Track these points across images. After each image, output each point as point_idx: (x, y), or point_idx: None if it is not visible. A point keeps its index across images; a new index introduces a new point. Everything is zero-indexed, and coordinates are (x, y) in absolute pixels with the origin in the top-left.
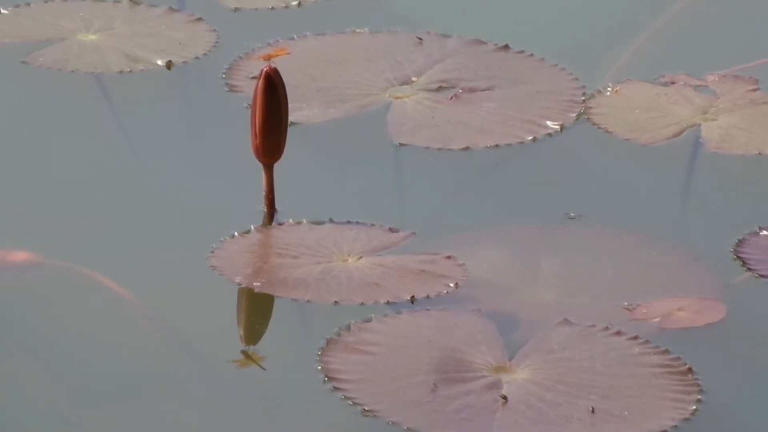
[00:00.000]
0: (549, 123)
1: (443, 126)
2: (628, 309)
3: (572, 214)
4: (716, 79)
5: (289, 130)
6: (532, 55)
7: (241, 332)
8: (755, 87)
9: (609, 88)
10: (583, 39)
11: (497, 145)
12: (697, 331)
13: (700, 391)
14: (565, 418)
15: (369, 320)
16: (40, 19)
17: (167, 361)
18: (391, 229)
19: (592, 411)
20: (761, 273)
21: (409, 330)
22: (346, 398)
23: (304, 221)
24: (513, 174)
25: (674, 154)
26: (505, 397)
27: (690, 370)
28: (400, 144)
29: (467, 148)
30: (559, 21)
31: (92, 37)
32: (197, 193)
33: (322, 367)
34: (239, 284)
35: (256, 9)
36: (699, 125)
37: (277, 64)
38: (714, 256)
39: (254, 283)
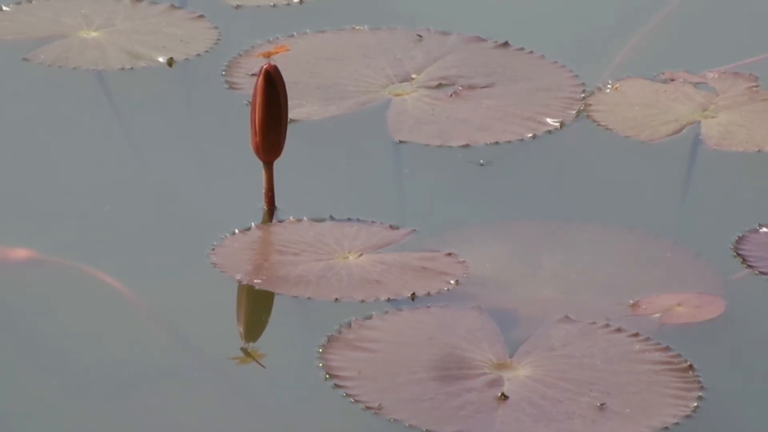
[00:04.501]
0: (549, 120)
1: (443, 123)
2: (633, 306)
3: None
4: (716, 76)
5: (289, 127)
6: (531, 52)
7: (242, 329)
8: (755, 84)
9: (609, 85)
10: (582, 36)
11: (497, 143)
12: (696, 327)
13: (701, 388)
14: (567, 414)
15: (369, 317)
16: (42, 16)
17: (167, 358)
18: (391, 226)
19: (601, 406)
20: (761, 270)
21: (410, 327)
22: (347, 395)
23: (305, 218)
24: (513, 171)
25: (674, 151)
26: (504, 396)
27: (691, 367)
28: (400, 141)
29: (467, 146)
30: (558, 18)
31: (94, 34)
32: (197, 191)
33: (322, 365)
34: (240, 281)
35: (258, 6)
36: (699, 122)
37: (277, 61)
38: (714, 253)
39: (255, 281)
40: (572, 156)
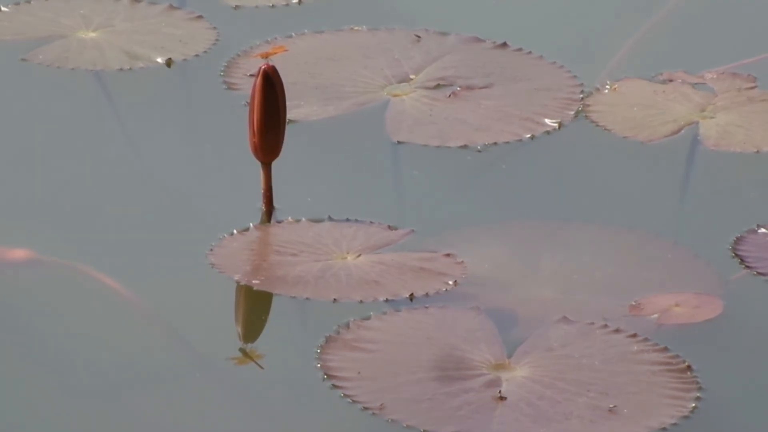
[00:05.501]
0: (547, 120)
1: (441, 123)
2: (631, 306)
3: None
4: (714, 76)
5: (288, 127)
6: (530, 52)
7: (240, 330)
8: (753, 84)
9: (607, 86)
10: (581, 36)
11: (495, 143)
12: (694, 327)
13: (699, 389)
14: (565, 415)
15: (368, 318)
16: (41, 17)
17: (166, 358)
18: (390, 227)
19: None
20: (759, 270)
21: (408, 327)
22: (345, 396)
23: (303, 219)
24: (512, 171)
25: (672, 152)
26: (502, 396)
27: (689, 367)
28: (399, 142)
29: (465, 146)
30: (557, 18)
31: (92, 34)
32: (196, 191)
33: (321, 365)
34: (238, 282)
35: (256, 7)
36: (697, 123)
37: (276, 61)
38: (712, 254)
39: (253, 281)
40: (571, 156)
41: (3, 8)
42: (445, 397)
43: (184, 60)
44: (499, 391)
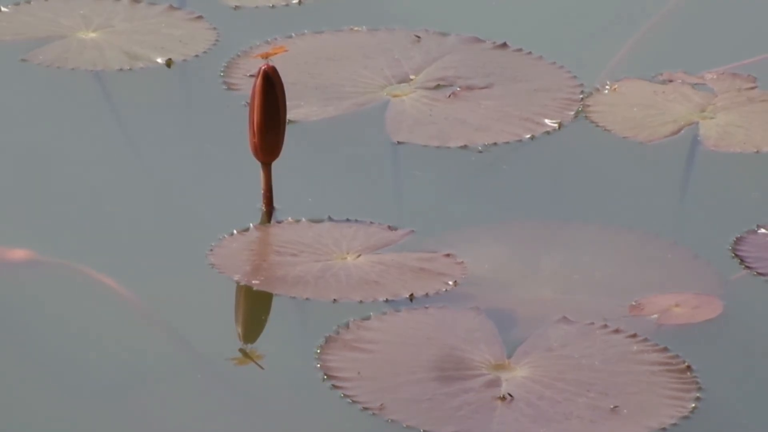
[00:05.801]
0: (547, 121)
1: (441, 124)
2: (631, 306)
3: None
4: (714, 76)
5: (288, 128)
6: (530, 52)
7: (240, 330)
8: (753, 84)
9: (607, 86)
10: (581, 37)
11: (495, 143)
12: (694, 327)
13: (699, 389)
14: (565, 415)
15: (368, 318)
16: (40, 17)
17: (166, 358)
18: (389, 227)
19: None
20: (759, 271)
21: (408, 328)
22: (345, 396)
23: (303, 219)
24: (512, 172)
25: (672, 152)
26: (505, 397)
27: (689, 368)
28: (398, 142)
29: (465, 146)
30: (557, 18)
31: (92, 34)
32: (196, 191)
33: (321, 365)
34: (238, 282)
35: (256, 7)
36: (697, 123)
37: (276, 62)
38: (712, 254)
39: (253, 281)
40: (571, 157)
41: (3, 8)
42: (445, 397)
43: (184, 60)
44: (508, 393)
